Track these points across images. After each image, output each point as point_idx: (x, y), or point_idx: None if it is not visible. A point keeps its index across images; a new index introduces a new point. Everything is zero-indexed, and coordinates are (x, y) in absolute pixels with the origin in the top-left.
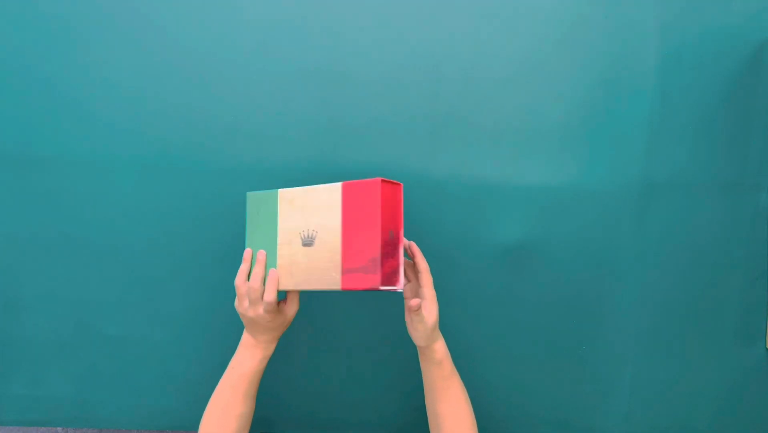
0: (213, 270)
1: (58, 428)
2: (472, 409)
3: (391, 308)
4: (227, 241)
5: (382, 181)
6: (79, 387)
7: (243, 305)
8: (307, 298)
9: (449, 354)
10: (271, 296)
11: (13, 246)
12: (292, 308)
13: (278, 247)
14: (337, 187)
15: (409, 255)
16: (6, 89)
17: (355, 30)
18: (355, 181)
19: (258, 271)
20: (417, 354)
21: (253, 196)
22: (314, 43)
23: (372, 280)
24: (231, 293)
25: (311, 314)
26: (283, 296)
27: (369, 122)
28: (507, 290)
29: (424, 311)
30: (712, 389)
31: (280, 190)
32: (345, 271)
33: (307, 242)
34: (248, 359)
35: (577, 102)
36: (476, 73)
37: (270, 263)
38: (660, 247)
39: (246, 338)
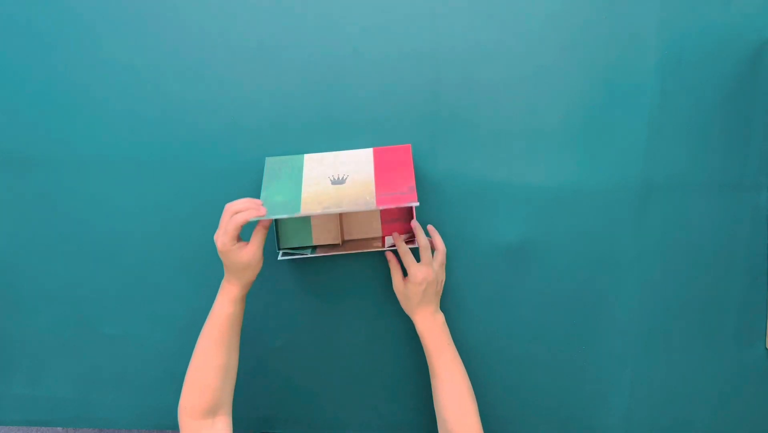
0: (213, 270)
1: (58, 428)
2: (465, 384)
3: (391, 308)
4: None
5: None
6: (79, 387)
7: (217, 233)
8: (308, 298)
9: (434, 334)
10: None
11: (13, 246)
12: (251, 250)
13: (303, 188)
14: (368, 151)
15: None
16: (6, 89)
17: (355, 30)
18: (385, 147)
19: (243, 205)
20: (416, 354)
21: (273, 160)
22: (314, 43)
23: (409, 198)
24: None
25: (311, 314)
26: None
27: (369, 122)
28: (507, 290)
29: (411, 270)
30: (712, 389)
31: (306, 156)
32: (380, 195)
33: (338, 182)
34: (220, 303)
35: (577, 102)
36: (476, 74)
37: (291, 205)
38: (660, 247)
39: (222, 284)
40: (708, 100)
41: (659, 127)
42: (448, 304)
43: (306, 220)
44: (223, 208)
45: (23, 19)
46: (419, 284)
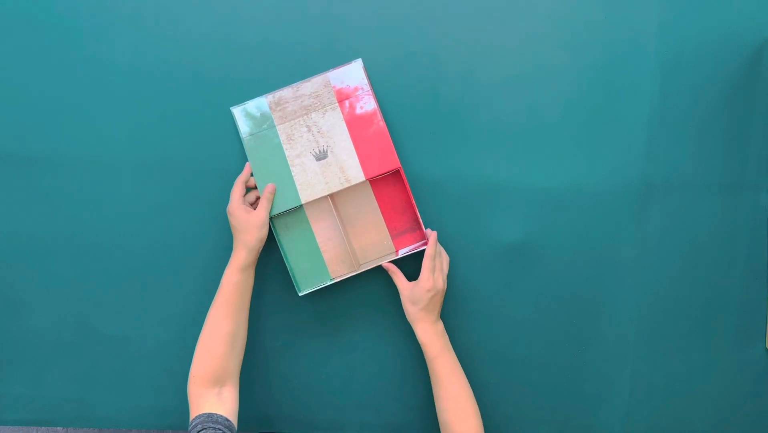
0: (213, 270)
1: (58, 428)
2: (466, 388)
3: (391, 308)
4: (227, 240)
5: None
6: (79, 387)
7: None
8: (308, 298)
9: (435, 341)
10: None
11: (13, 246)
12: (256, 212)
13: (292, 173)
14: (330, 93)
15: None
16: (6, 89)
17: (354, 30)
18: (351, 105)
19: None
20: (417, 354)
21: (247, 136)
22: (314, 43)
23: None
24: None
25: (311, 313)
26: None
27: None
28: (507, 290)
29: (402, 285)
30: (712, 389)
31: (274, 118)
32: (365, 167)
33: (321, 156)
34: (228, 272)
35: (577, 102)
36: (476, 73)
37: (290, 198)
38: (660, 247)
39: (231, 256)
40: (708, 100)
41: (659, 127)
42: (448, 304)
43: (317, 255)
44: (222, 208)
45: (23, 18)
46: (429, 290)
